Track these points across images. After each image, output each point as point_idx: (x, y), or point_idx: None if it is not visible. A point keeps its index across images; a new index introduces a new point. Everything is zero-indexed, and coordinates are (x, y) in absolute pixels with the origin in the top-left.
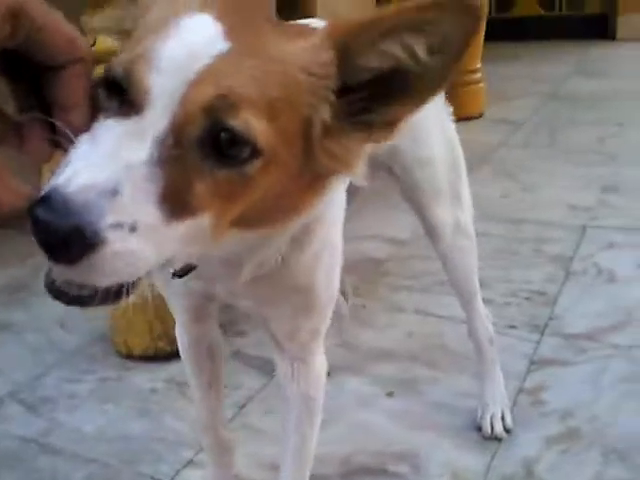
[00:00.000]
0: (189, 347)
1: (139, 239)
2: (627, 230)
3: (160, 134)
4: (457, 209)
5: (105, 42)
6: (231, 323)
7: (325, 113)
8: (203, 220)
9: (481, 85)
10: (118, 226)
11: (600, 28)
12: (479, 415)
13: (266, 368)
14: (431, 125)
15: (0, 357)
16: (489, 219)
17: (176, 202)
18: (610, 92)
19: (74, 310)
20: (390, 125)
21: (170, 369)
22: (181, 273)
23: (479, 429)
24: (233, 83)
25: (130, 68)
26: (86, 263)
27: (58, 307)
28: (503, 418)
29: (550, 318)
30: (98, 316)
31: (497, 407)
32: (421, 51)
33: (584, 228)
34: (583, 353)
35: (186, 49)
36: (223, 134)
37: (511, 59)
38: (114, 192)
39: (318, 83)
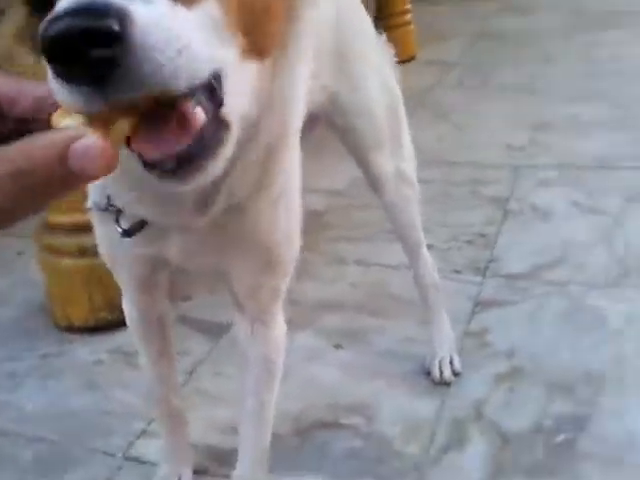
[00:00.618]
0: (138, 320)
1: (159, 9)
2: (559, 167)
3: None
4: (399, 158)
5: None
6: (175, 287)
7: None
8: (209, 8)
9: (411, 27)
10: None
11: None
12: (428, 361)
13: (213, 331)
14: (369, 72)
15: None
16: (426, 164)
17: None
18: (536, 28)
19: (6, 281)
20: None
21: (114, 339)
22: (132, 230)
23: (428, 374)
24: None
25: None
26: (130, 46)
27: None
28: (452, 362)
29: (490, 260)
30: (34, 285)
31: (445, 352)
32: None
33: (518, 168)
34: (523, 292)
35: None
36: None
37: None
38: None
39: None
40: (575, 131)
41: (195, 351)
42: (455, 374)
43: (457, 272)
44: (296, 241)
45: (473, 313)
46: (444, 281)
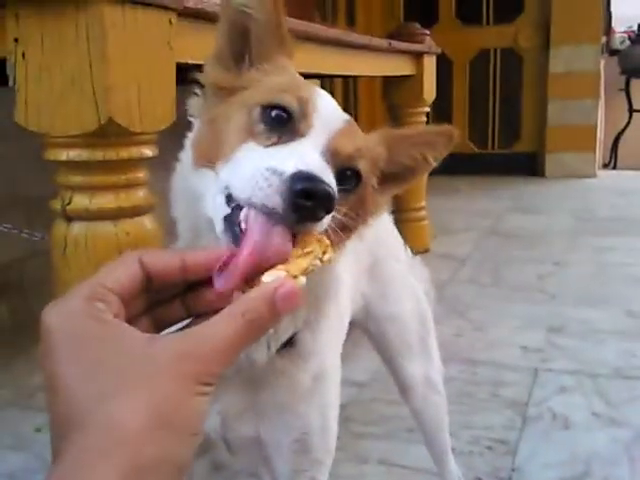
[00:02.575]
0: None
1: None
2: (576, 373)
3: (322, 151)
4: (427, 364)
5: None
6: None
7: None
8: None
9: (426, 222)
10: None
11: (530, 165)
12: None
13: None
14: (398, 281)
15: None
16: (446, 361)
17: None
18: (544, 229)
19: (20, 459)
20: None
21: None
22: None
23: None
24: (361, 145)
25: (302, 104)
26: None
27: None
28: None
29: (512, 469)
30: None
31: None
32: (431, 158)
33: (536, 371)
34: None
35: (332, 108)
36: (348, 172)
37: (451, 192)
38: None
39: (377, 163)
40: (590, 337)
41: None
42: None
43: None
44: (332, 434)
45: None
46: None
